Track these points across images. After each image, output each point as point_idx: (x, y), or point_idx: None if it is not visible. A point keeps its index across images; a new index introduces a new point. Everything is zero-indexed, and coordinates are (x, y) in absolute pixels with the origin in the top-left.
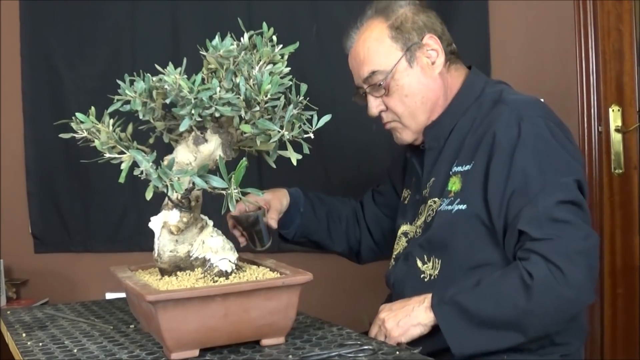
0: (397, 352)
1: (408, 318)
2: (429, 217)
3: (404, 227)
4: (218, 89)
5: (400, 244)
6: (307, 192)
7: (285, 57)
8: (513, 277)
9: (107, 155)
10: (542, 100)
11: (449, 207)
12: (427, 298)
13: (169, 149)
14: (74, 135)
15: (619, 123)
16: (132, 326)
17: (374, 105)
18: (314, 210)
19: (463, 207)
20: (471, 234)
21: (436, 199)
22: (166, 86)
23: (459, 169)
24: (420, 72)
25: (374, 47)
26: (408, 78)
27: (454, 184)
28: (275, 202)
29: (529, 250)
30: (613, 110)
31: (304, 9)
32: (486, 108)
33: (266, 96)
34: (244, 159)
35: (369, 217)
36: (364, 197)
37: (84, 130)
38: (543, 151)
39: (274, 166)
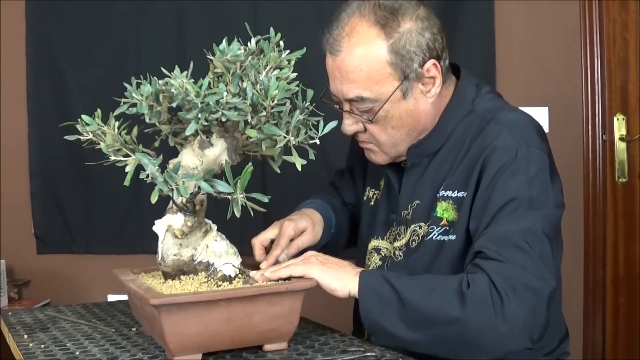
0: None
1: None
2: (412, 242)
3: (375, 242)
4: (225, 93)
5: (373, 261)
6: (330, 206)
7: (292, 62)
8: (453, 280)
9: (113, 157)
10: (535, 120)
11: (442, 238)
12: (359, 269)
13: (174, 153)
14: (79, 137)
15: (624, 132)
16: (134, 329)
17: (350, 123)
18: (340, 227)
19: (453, 237)
20: (460, 264)
21: (422, 224)
22: (173, 90)
23: (449, 193)
24: (413, 104)
25: (368, 70)
26: (399, 110)
27: (446, 211)
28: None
29: (478, 266)
30: (618, 119)
31: (310, 12)
32: (477, 126)
33: (273, 101)
34: (250, 164)
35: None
36: (340, 192)
37: (89, 133)
38: (531, 178)
39: (279, 171)
